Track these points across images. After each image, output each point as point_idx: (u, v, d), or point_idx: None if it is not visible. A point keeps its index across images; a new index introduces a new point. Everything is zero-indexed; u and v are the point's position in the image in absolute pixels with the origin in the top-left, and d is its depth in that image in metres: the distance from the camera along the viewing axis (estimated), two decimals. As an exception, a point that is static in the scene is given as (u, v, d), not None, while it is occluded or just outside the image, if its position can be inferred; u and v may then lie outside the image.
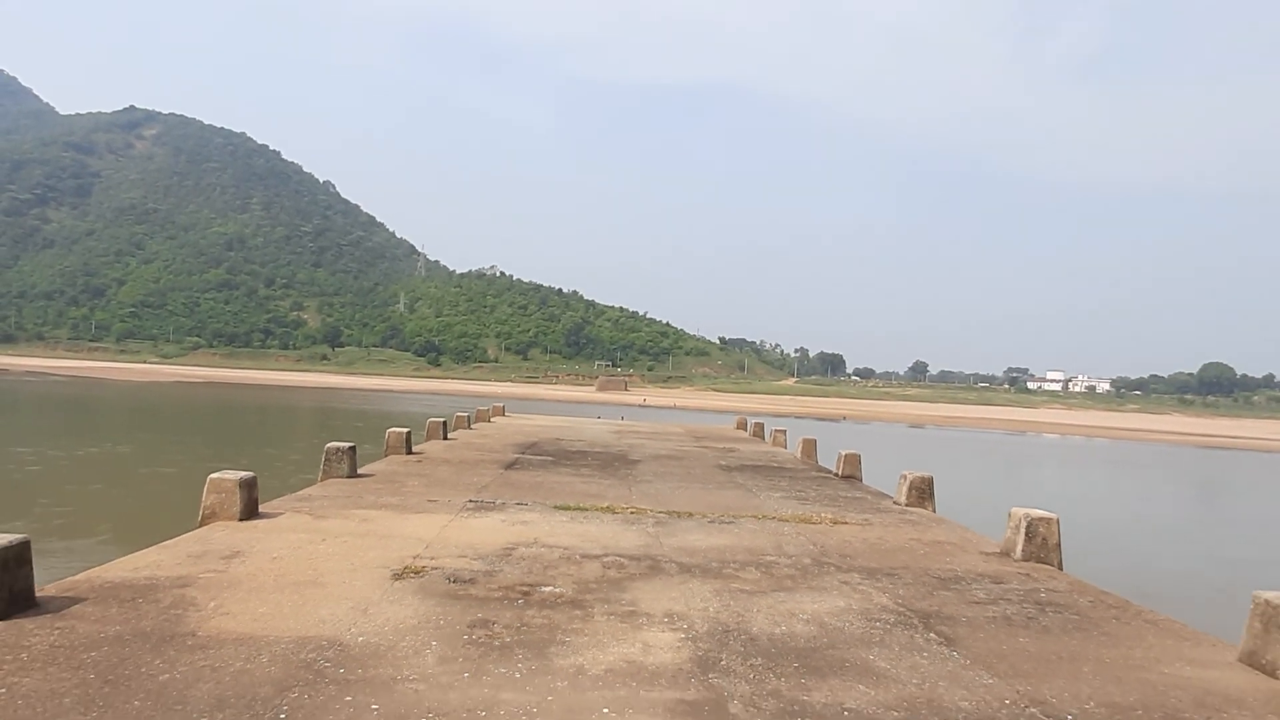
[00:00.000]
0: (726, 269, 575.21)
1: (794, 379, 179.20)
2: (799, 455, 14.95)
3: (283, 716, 2.99)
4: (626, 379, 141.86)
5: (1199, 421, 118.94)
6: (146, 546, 5.41)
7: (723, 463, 13.24)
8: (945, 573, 6.10)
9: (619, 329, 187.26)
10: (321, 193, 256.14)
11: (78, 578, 4.61)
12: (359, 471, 9.39)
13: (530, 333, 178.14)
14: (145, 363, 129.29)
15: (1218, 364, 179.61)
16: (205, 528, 6.21)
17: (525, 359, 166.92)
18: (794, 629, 4.45)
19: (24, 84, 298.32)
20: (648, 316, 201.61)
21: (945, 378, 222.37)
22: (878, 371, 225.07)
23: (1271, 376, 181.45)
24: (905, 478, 9.80)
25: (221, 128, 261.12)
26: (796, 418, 68.79)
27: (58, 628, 3.78)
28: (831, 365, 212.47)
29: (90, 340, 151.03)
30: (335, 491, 8.12)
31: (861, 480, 11.96)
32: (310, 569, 5.13)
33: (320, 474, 8.97)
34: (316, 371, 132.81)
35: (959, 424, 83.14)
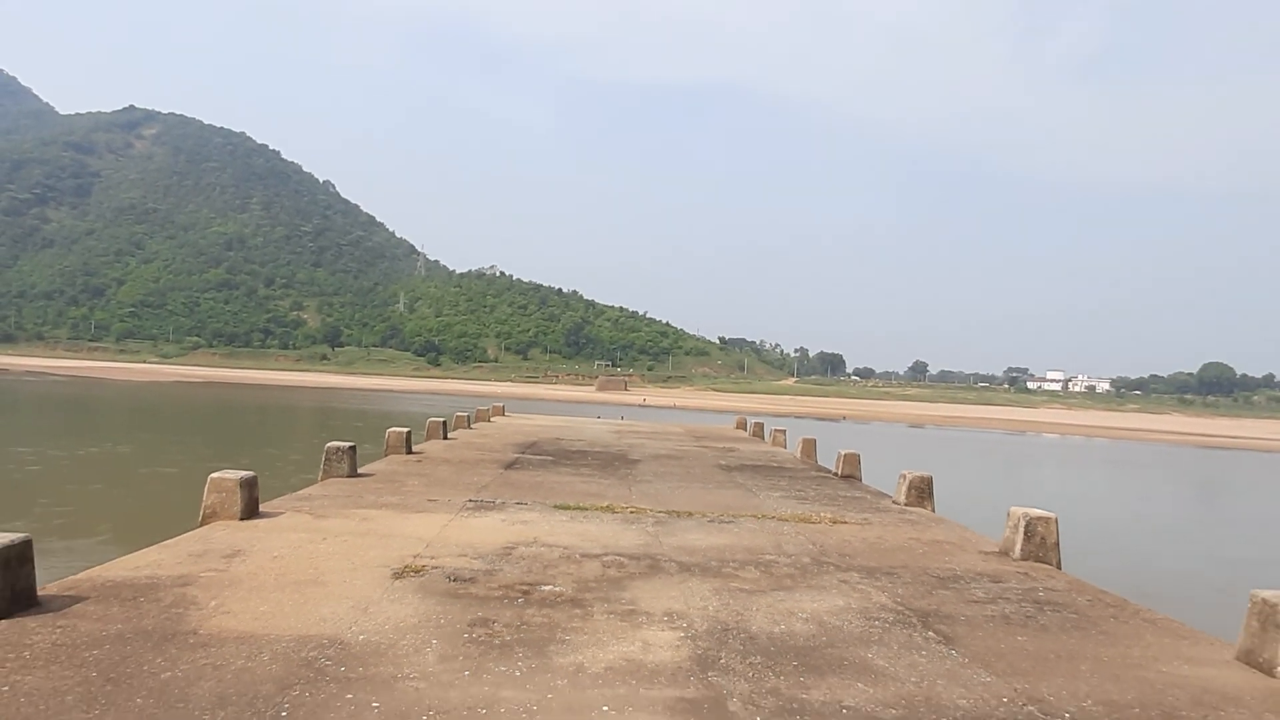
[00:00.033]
0: (726, 269, 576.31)
1: (794, 379, 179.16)
2: (798, 455, 14.96)
3: (284, 714, 3.01)
4: (626, 379, 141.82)
5: (1199, 421, 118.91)
6: (147, 546, 5.43)
7: (722, 462, 13.25)
8: (944, 572, 6.12)
9: (619, 329, 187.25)
10: (321, 192, 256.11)
11: (79, 577, 4.62)
12: (359, 471, 9.41)
13: (530, 333, 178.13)
14: (145, 363, 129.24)
15: (1218, 364, 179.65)
16: (206, 527, 6.22)
17: (525, 359, 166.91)
18: (793, 628, 4.47)
19: (24, 84, 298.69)
20: (648, 316, 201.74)
21: (945, 378, 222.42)
22: (878, 371, 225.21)
23: (1271, 376, 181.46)
24: (904, 477, 9.81)
25: (221, 127, 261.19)
26: (796, 418, 68.79)
27: (60, 626, 3.79)
28: (831, 365, 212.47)
29: (90, 340, 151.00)
30: (335, 491, 8.13)
31: (861, 480, 11.97)
32: (311, 568, 5.14)
33: (320, 473, 8.99)
34: (316, 371, 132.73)
35: (959, 424, 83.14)
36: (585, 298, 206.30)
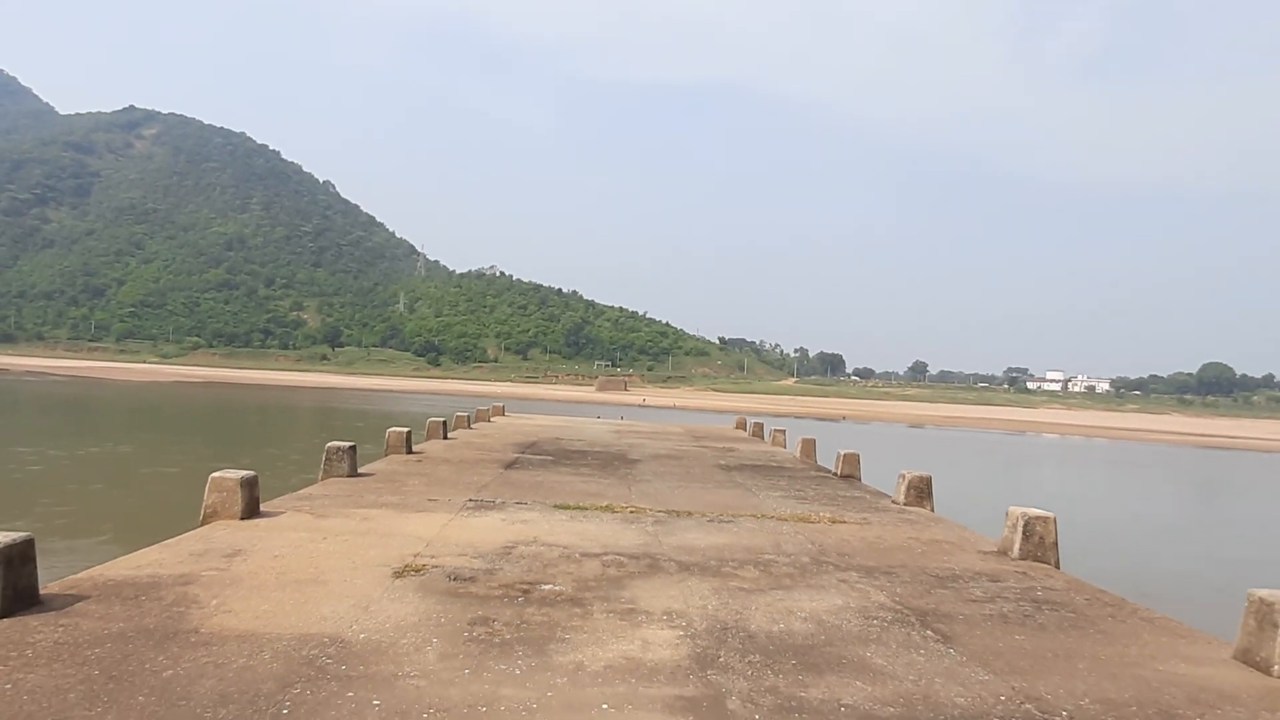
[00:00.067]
0: (726, 269, 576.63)
1: (793, 379, 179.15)
2: (798, 455, 14.98)
3: (285, 712, 3.02)
4: (626, 379, 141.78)
5: (1198, 421, 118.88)
6: (148, 545, 5.44)
7: (722, 462, 13.27)
8: (943, 571, 6.13)
9: (619, 329, 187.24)
10: (321, 193, 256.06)
11: (80, 576, 4.64)
12: (359, 471, 9.43)
13: (530, 333, 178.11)
14: (145, 363, 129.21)
15: (1217, 364, 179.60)
16: (207, 526, 6.24)
17: (525, 359, 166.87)
18: (792, 626, 4.48)
19: (24, 84, 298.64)
20: (647, 316, 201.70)
21: (945, 378, 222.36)
22: (877, 371, 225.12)
23: (1271, 376, 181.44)
24: (904, 477, 9.83)
25: (221, 127, 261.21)
26: (796, 418, 68.80)
27: (62, 625, 3.81)
28: (831, 365, 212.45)
29: (90, 340, 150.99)
30: (336, 490, 8.15)
31: (860, 480, 11.99)
32: (311, 567, 5.16)
33: (321, 473, 9.00)
34: (316, 371, 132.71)
35: (958, 424, 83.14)
36: (585, 298, 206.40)
